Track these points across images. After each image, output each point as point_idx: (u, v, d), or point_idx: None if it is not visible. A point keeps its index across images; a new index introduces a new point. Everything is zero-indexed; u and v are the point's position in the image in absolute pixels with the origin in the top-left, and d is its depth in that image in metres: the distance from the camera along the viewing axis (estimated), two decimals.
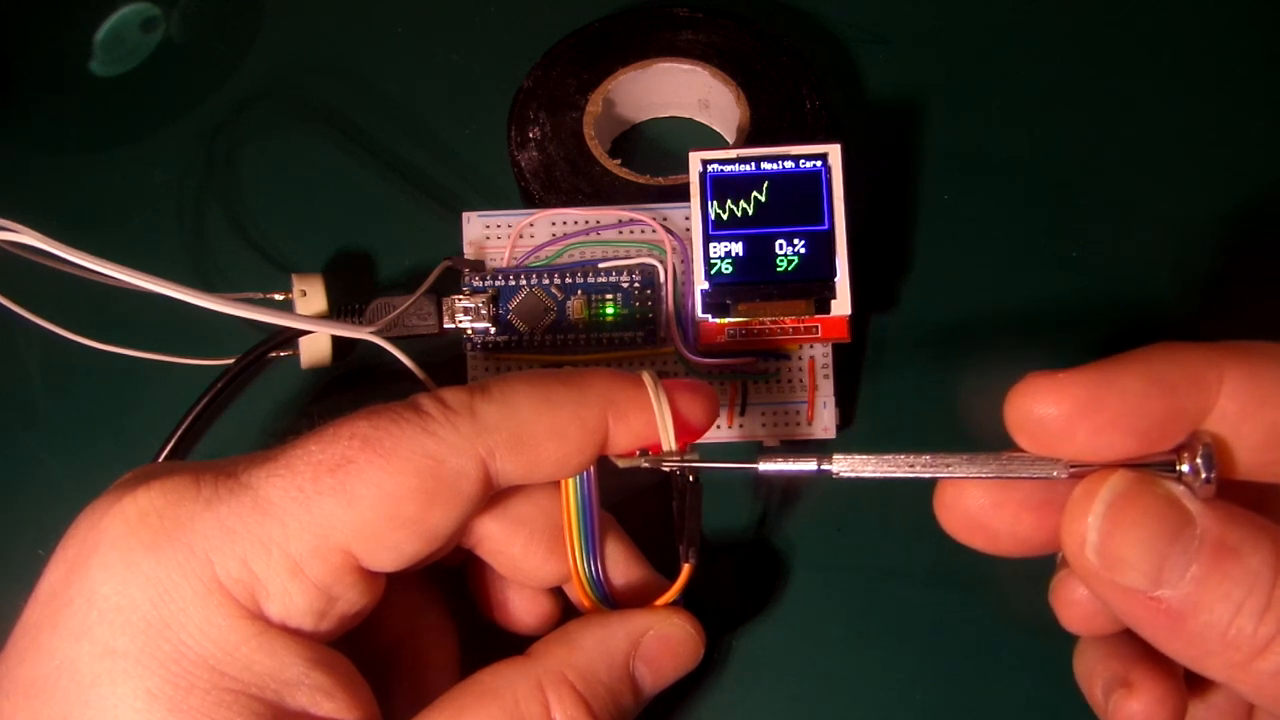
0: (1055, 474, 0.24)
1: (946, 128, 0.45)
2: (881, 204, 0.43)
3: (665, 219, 0.37)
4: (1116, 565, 0.22)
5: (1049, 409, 0.23)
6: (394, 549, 0.26)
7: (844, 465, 0.26)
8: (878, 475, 0.26)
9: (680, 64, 0.43)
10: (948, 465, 0.25)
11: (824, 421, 0.36)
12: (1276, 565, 0.22)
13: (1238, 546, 0.22)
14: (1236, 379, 0.23)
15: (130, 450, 0.39)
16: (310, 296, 0.39)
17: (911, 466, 0.26)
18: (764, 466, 0.27)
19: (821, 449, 0.38)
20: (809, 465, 0.27)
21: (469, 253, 0.38)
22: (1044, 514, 0.25)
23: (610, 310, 0.37)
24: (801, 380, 0.37)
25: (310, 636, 0.26)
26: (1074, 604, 0.26)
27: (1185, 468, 0.23)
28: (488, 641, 0.31)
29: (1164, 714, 0.26)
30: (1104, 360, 0.24)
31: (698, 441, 0.30)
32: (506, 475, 0.27)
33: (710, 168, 0.36)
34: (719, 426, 0.36)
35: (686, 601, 0.31)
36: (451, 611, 0.32)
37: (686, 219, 0.37)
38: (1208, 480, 0.23)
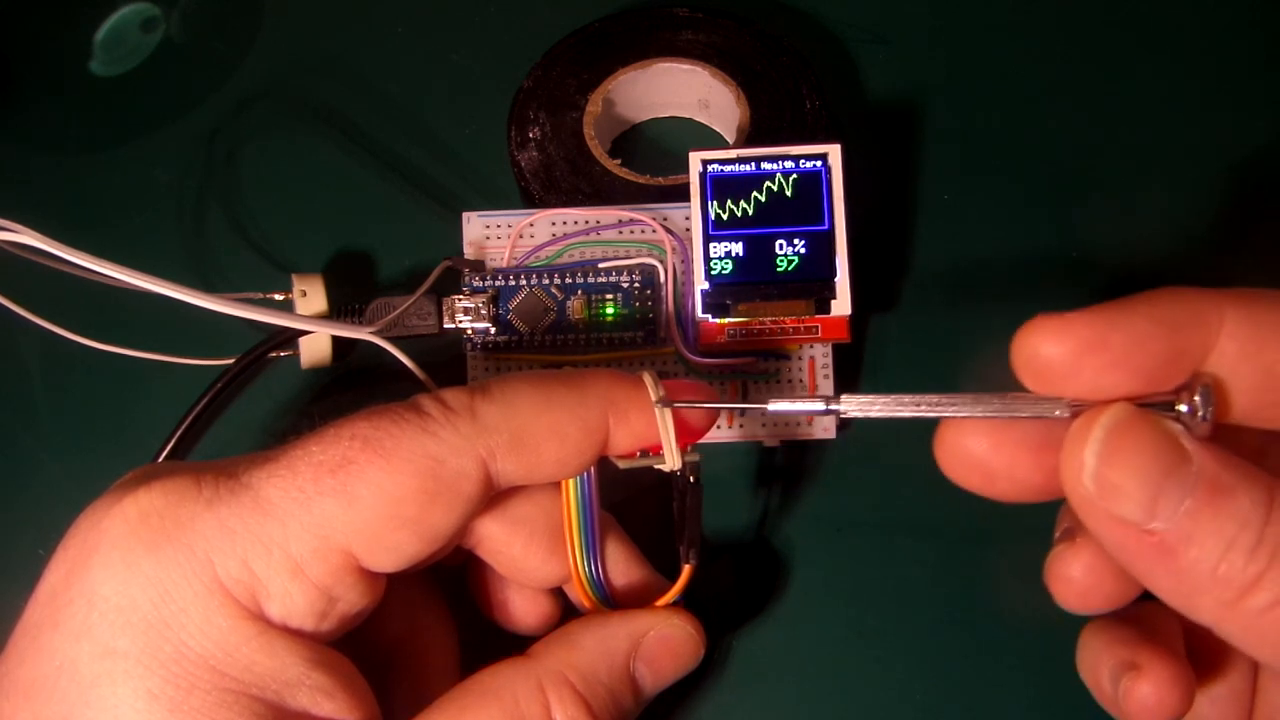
0: (1058, 413, 0.24)
1: (946, 128, 0.45)
2: (881, 204, 0.43)
3: (665, 219, 0.37)
4: (1112, 493, 0.22)
5: (1055, 348, 0.24)
6: (394, 549, 0.26)
7: (851, 405, 0.26)
8: (884, 415, 0.26)
9: (680, 64, 0.43)
10: (952, 404, 0.25)
11: (824, 421, 0.36)
12: (1269, 505, 0.22)
13: (1232, 485, 0.22)
14: (1237, 320, 0.23)
15: (130, 450, 0.39)
16: (310, 296, 0.39)
17: (917, 406, 0.26)
18: (773, 406, 0.27)
19: (822, 449, 0.38)
20: (817, 405, 0.27)
21: (469, 253, 0.38)
22: (1041, 455, 0.25)
23: (610, 310, 0.37)
24: (801, 380, 0.37)
25: (311, 637, 0.26)
26: (1070, 580, 0.26)
27: (1184, 407, 0.23)
28: (488, 641, 0.31)
29: (1175, 694, 0.26)
30: (1109, 302, 0.24)
31: (698, 442, 0.30)
32: (507, 476, 0.27)
33: (710, 168, 0.36)
34: (719, 426, 0.36)
35: (687, 602, 0.31)
36: (451, 611, 0.32)
37: (686, 219, 0.37)
38: (1205, 418, 0.23)
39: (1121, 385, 0.24)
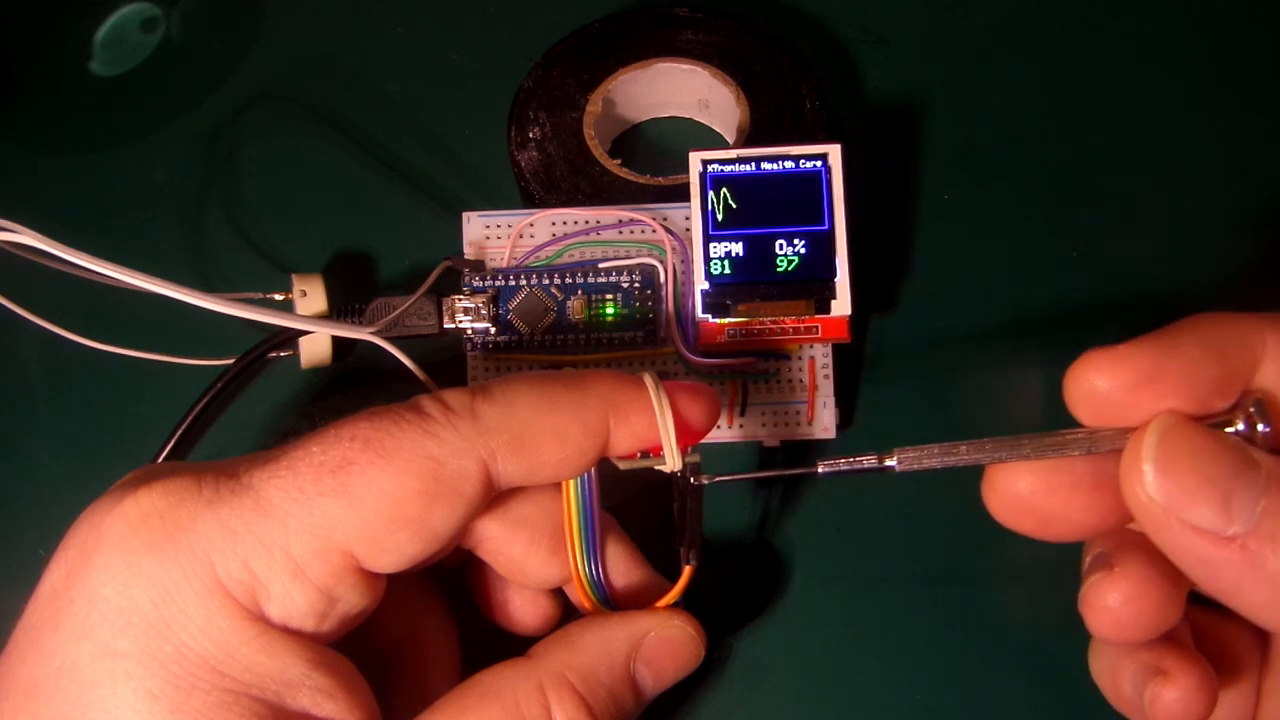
0: (1115, 445, 0.24)
1: (946, 128, 0.45)
2: (881, 204, 0.43)
3: (665, 219, 0.37)
4: (1181, 500, 0.22)
5: (1111, 381, 0.24)
6: (395, 550, 0.26)
7: (906, 458, 0.26)
8: (938, 466, 0.26)
9: (680, 64, 0.43)
10: (1007, 448, 0.25)
11: (824, 421, 0.36)
12: None
13: None
14: (1278, 342, 0.23)
15: (130, 450, 0.39)
16: (310, 296, 0.39)
17: (971, 453, 0.25)
18: (823, 469, 0.27)
19: (821, 449, 0.38)
20: (869, 462, 0.26)
21: (469, 253, 0.38)
22: (1097, 495, 0.25)
23: (610, 310, 0.37)
24: (801, 380, 0.37)
25: (311, 637, 0.26)
26: (1107, 610, 0.25)
27: (1241, 425, 0.23)
28: (488, 642, 0.31)
29: (1202, 699, 0.25)
30: (1155, 332, 0.24)
31: (699, 442, 0.30)
32: (508, 477, 0.27)
33: (710, 168, 0.36)
34: (719, 427, 0.36)
35: (687, 603, 0.31)
36: (451, 611, 0.32)
37: (686, 219, 0.37)
38: (1266, 428, 0.23)
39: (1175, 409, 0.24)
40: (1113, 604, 0.25)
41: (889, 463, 0.26)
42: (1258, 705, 0.27)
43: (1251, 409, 0.23)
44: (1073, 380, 0.24)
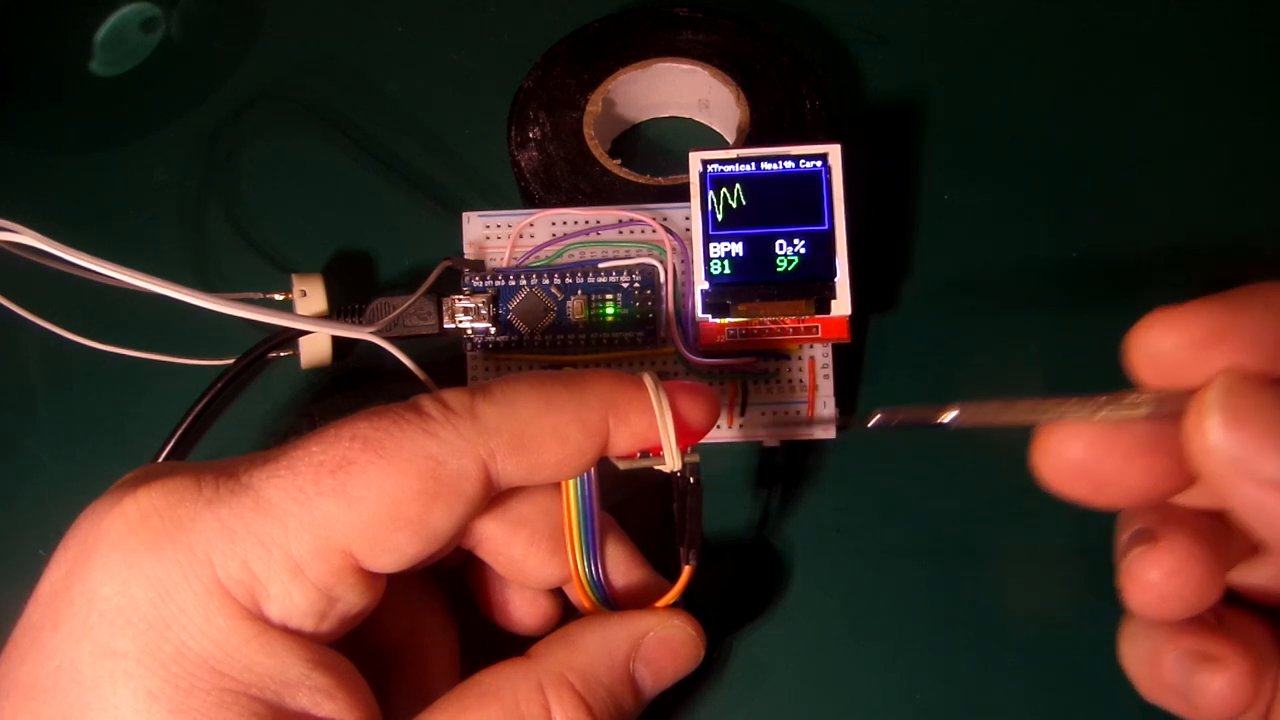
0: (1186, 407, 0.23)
1: (946, 128, 0.45)
2: (881, 204, 0.43)
3: (665, 219, 0.37)
4: (1250, 453, 0.21)
5: (1177, 339, 0.23)
6: (395, 550, 0.26)
7: (965, 414, 0.25)
8: (999, 423, 0.25)
9: (680, 64, 0.43)
10: (1075, 407, 0.24)
11: (824, 421, 0.36)
12: None
13: None
14: None
15: (130, 450, 0.39)
16: (310, 296, 0.39)
17: (1033, 410, 0.25)
18: (879, 417, 0.26)
19: (822, 449, 0.38)
20: (927, 416, 0.25)
21: (469, 253, 0.38)
22: (1154, 458, 0.24)
23: (610, 310, 0.37)
24: (801, 380, 0.37)
25: (311, 637, 0.26)
26: (1150, 585, 0.24)
27: None
28: (488, 641, 0.31)
29: (1252, 685, 0.25)
30: (1219, 294, 0.23)
31: (699, 442, 0.30)
32: (507, 477, 0.27)
33: (710, 168, 0.36)
34: (719, 426, 0.36)
35: (687, 603, 0.31)
36: (451, 611, 0.32)
37: (686, 219, 0.37)
38: None
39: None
40: (1156, 578, 0.24)
41: (946, 418, 0.25)
42: (1271, 706, 0.27)
43: None
44: (1137, 340, 0.23)
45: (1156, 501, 0.25)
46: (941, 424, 0.25)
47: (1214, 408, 0.22)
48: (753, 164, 0.36)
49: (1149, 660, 0.26)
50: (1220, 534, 0.25)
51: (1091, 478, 0.25)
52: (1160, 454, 0.24)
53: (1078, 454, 0.24)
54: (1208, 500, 0.25)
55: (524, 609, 0.32)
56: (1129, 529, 0.26)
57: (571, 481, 0.29)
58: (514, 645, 0.29)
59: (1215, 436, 0.22)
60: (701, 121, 0.45)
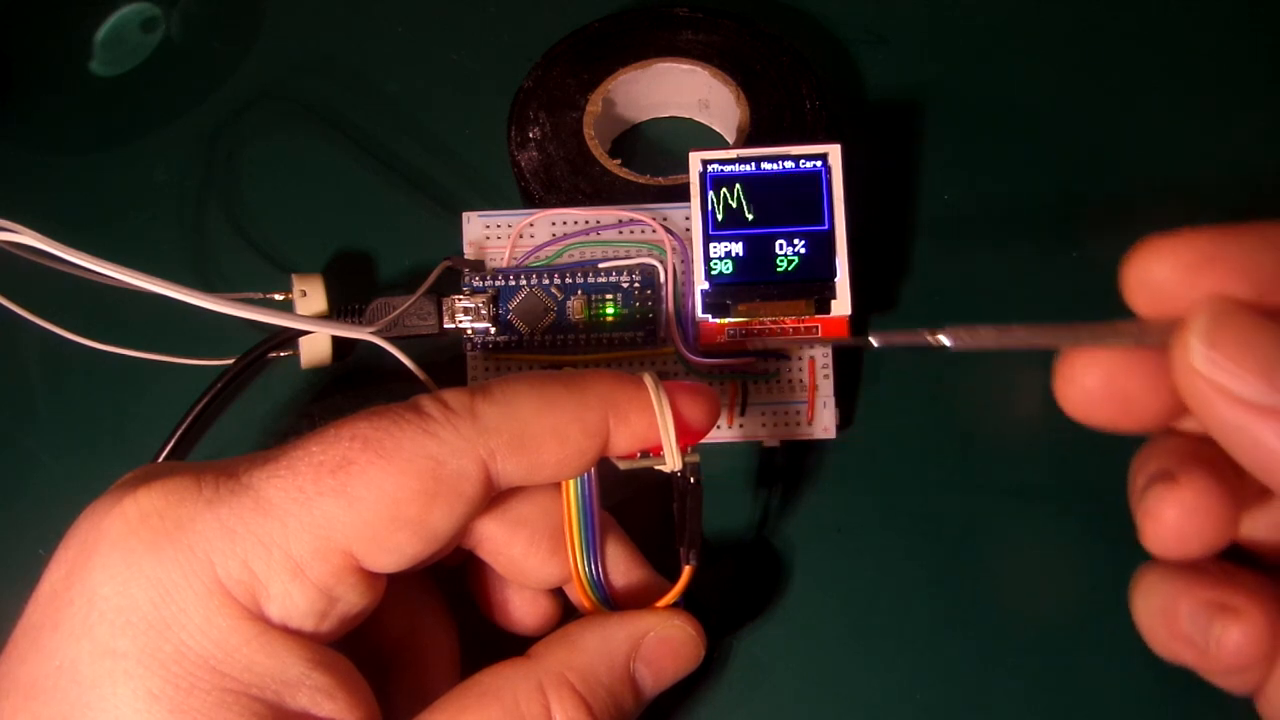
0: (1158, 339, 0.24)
1: (946, 128, 0.45)
2: (881, 204, 0.43)
3: (665, 219, 0.37)
4: (1224, 370, 0.22)
5: (1169, 264, 0.23)
6: (395, 550, 0.26)
7: (959, 338, 0.25)
8: (995, 347, 0.25)
9: (680, 64, 0.43)
10: (1070, 335, 0.24)
11: (824, 421, 0.36)
12: None
13: None
14: None
15: (130, 450, 0.39)
16: (310, 296, 0.39)
17: (1030, 335, 0.25)
18: (877, 341, 0.27)
19: (822, 449, 0.38)
20: (920, 339, 0.26)
21: (469, 253, 0.38)
22: (1166, 379, 0.24)
23: (610, 310, 0.37)
24: (801, 380, 0.37)
25: (311, 637, 0.26)
26: (1166, 522, 0.24)
27: None
28: (488, 642, 0.31)
29: (1271, 636, 0.25)
30: (1211, 225, 0.24)
31: (699, 442, 0.30)
32: (507, 477, 0.27)
33: (710, 168, 0.36)
34: (719, 426, 0.36)
35: (687, 603, 0.31)
36: (451, 611, 0.32)
37: (686, 219, 0.37)
38: None
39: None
40: (1172, 515, 0.24)
41: (942, 338, 0.25)
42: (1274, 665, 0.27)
43: None
44: (1130, 269, 0.24)
45: (1177, 423, 0.25)
46: (937, 345, 0.25)
47: (1196, 331, 0.22)
48: (753, 164, 0.36)
49: (1164, 612, 0.26)
50: (1236, 473, 0.25)
51: (1116, 399, 0.25)
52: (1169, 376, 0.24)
53: (1098, 380, 0.25)
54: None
55: (524, 609, 0.32)
56: (1145, 471, 0.26)
57: (572, 481, 0.29)
58: (514, 645, 0.29)
59: (1196, 359, 0.22)
60: (701, 121, 0.45)
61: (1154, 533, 0.25)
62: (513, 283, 0.37)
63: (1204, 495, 0.24)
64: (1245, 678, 0.26)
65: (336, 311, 0.38)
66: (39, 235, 0.28)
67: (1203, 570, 0.26)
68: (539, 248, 0.37)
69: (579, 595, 0.30)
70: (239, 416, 0.40)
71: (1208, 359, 0.22)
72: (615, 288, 0.37)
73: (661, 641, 0.30)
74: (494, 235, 0.38)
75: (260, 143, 0.46)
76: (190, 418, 0.39)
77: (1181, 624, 0.25)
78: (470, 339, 0.37)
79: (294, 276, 0.39)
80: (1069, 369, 0.25)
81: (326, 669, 0.26)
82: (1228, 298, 0.23)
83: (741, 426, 0.37)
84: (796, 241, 0.35)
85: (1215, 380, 0.22)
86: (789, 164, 0.36)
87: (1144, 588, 0.27)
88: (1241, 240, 0.23)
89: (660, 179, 0.41)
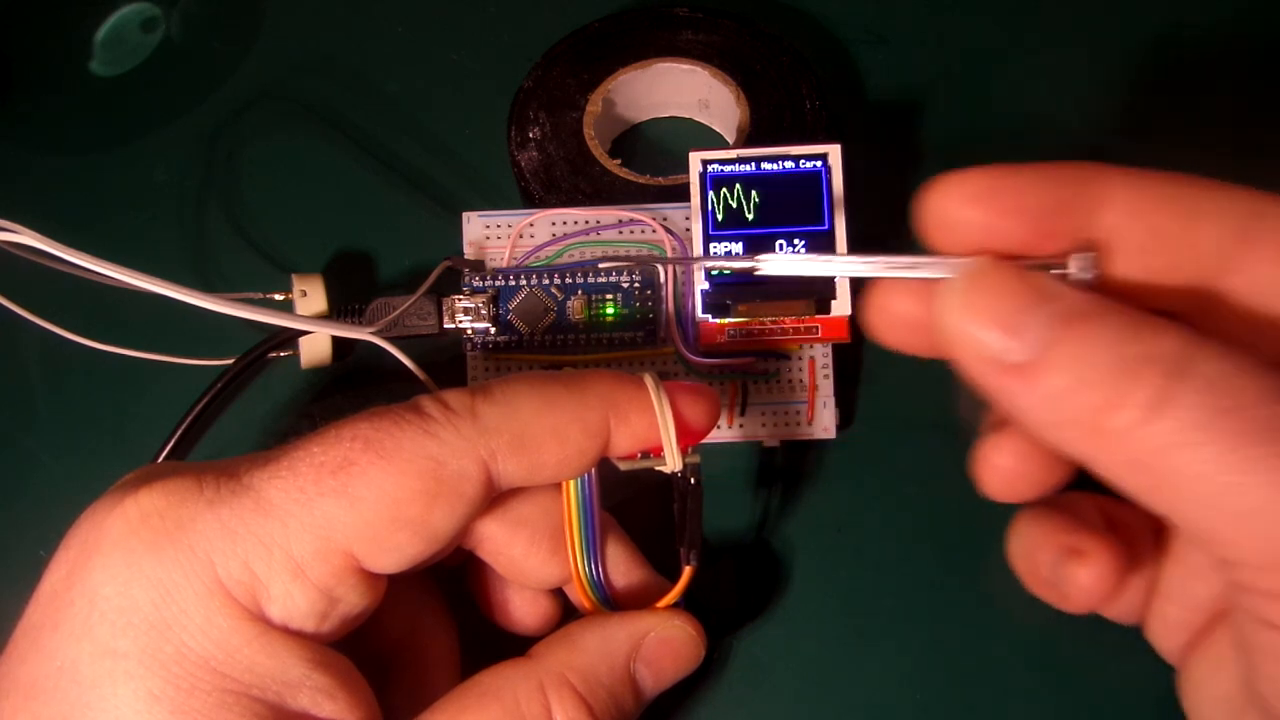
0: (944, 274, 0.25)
1: (946, 128, 0.45)
2: (881, 204, 0.42)
3: (665, 219, 0.37)
4: (970, 322, 0.23)
5: (950, 197, 0.25)
6: (396, 550, 0.26)
7: (773, 264, 0.28)
8: (803, 273, 0.29)
9: (680, 64, 0.43)
10: (870, 264, 0.26)
11: (824, 421, 0.36)
12: (1135, 328, 0.22)
13: (1098, 314, 0.22)
14: (1120, 185, 0.24)
15: (130, 450, 0.39)
16: (310, 296, 0.39)
17: (840, 263, 0.30)
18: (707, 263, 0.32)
19: (822, 449, 0.38)
20: (745, 264, 0.28)
21: (469, 253, 0.38)
22: None
23: (610, 310, 0.37)
24: (801, 380, 0.37)
25: (312, 638, 0.26)
26: (997, 467, 0.26)
27: (1072, 269, 0.24)
28: (488, 642, 0.31)
29: (1113, 577, 0.26)
30: (997, 164, 0.25)
31: (699, 443, 0.30)
32: (508, 477, 0.27)
33: (710, 168, 0.36)
34: (719, 427, 0.36)
35: (687, 603, 0.31)
36: (451, 611, 0.32)
37: (686, 219, 0.37)
38: (1089, 275, 0.24)
39: (1014, 235, 0.24)
40: (1002, 461, 0.26)
41: (756, 265, 0.28)
42: (1156, 588, 0.28)
43: (1078, 255, 0.24)
44: (920, 204, 0.25)
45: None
46: (755, 269, 0.28)
47: (955, 282, 0.24)
48: (753, 164, 0.36)
49: (1028, 555, 0.28)
50: None
51: (911, 329, 0.26)
52: None
53: (906, 306, 0.26)
54: None
55: (524, 609, 0.32)
56: (988, 421, 0.27)
57: (572, 482, 0.29)
58: (514, 645, 0.29)
59: (948, 306, 0.23)
60: (701, 121, 0.45)
61: (987, 478, 0.27)
62: (513, 283, 0.37)
63: (1030, 442, 0.26)
64: (1120, 610, 0.28)
65: (336, 311, 0.38)
66: (39, 235, 0.28)
67: (1060, 515, 0.28)
68: (539, 248, 0.37)
69: (579, 595, 0.30)
70: (239, 416, 0.40)
71: (956, 311, 0.23)
72: (615, 288, 0.37)
73: (662, 642, 0.30)
74: (494, 235, 0.38)
75: (260, 143, 0.46)
76: (190, 418, 0.39)
77: (1041, 567, 0.28)
78: (470, 339, 0.37)
79: (294, 276, 0.39)
80: (878, 297, 0.27)
81: (327, 669, 0.26)
82: (994, 256, 0.24)
83: (741, 426, 0.37)
84: (796, 241, 0.35)
85: (961, 333, 0.23)
86: (789, 164, 0.36)
87: (1015, 532, 0.29)
88: (1019, 176, 0.25)
89: (660, 179, 0.41)
